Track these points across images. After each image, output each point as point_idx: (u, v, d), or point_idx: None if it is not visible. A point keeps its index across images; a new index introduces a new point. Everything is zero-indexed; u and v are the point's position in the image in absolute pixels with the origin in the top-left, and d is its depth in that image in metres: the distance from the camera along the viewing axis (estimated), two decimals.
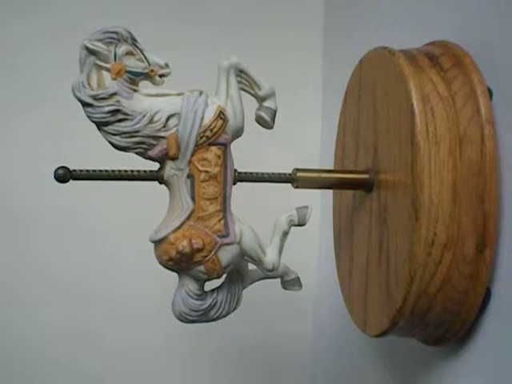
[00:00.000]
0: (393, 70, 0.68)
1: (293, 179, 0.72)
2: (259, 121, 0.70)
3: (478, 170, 0.64)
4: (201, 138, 0.67)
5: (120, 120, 0.66)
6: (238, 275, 0.72)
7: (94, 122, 0.66)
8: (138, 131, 0.66)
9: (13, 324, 1.07)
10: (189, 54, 1.04)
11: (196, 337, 1.07)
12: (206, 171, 0.67)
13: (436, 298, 0.66)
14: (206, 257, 0.67)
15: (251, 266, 0.72)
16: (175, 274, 0.70)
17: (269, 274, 0.71)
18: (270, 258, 0.70)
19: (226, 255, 0.68)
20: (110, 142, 0.67)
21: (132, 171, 0.69)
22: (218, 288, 0.72)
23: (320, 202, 1.07)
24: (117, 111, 0.65)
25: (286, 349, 1.13)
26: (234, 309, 0.72)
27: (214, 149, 0.67)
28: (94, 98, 0.65)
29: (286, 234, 0.71)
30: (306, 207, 0.71)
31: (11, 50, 1.06)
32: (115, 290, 1.08)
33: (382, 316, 0.69)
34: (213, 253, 0.68)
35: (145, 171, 0.69)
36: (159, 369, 1.10)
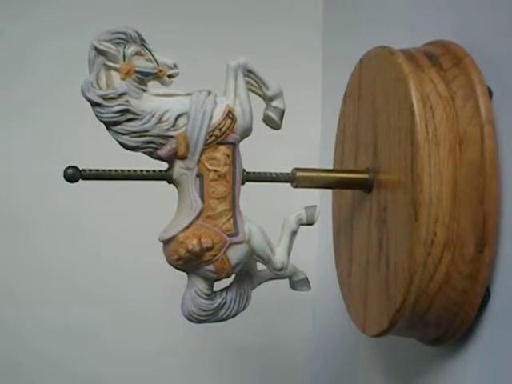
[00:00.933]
0: (392, 69, 0.68)
1: (292, 179, 0.72)
2: (267, 121, 0.70)
3: (478, 170, 0.64)
4: (210, 137, 0.67)
5: (129, 120, 0.66)
6: (246, 275, 0.72)
7: (103, 121, 0.66)
8: (147, 131, 0.66)
9: (13, 324, 1.07)
10: (189, 54, 1.04)
11: (196, 337, 1.07)
12: (215, 170, 0.67)
13: (435, 297, 0.66)
14: (215, 256, 0.67)
15: (260, 267, 0.72)
16: (177, 275, 0.70)
17: (278, 273, 0.71)
18: (279, 257, 0.70)
19: (235, 254, 0.68)
20: (119, 142, 0.67)
21: (141, 171, 0.69)
22: (227, 288, 0.72)
23: (319, 202, 1.07)
24: (126, 111, 0.65)
25: (285, 349, 1.12)
26: (243, 309, 0.72)
27: (222, 148, 0.67)
28: (104, 97, 0.65)
29: (294, 233, 0.71)
30: (315, 206, 0.71)
31: (15, 50, 1.06)
32: (116, 290, 1.08)
33: (382, 316, 0.69)
34: (222, 252, 0.67)
35: (154, 171, 0.69)
36: (159, 369, 1.10)
